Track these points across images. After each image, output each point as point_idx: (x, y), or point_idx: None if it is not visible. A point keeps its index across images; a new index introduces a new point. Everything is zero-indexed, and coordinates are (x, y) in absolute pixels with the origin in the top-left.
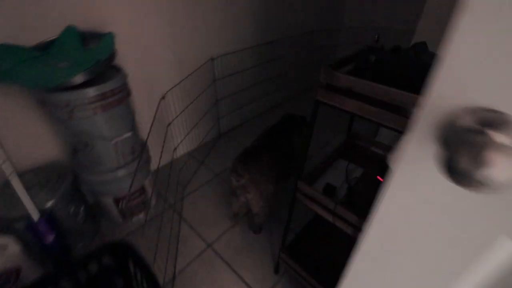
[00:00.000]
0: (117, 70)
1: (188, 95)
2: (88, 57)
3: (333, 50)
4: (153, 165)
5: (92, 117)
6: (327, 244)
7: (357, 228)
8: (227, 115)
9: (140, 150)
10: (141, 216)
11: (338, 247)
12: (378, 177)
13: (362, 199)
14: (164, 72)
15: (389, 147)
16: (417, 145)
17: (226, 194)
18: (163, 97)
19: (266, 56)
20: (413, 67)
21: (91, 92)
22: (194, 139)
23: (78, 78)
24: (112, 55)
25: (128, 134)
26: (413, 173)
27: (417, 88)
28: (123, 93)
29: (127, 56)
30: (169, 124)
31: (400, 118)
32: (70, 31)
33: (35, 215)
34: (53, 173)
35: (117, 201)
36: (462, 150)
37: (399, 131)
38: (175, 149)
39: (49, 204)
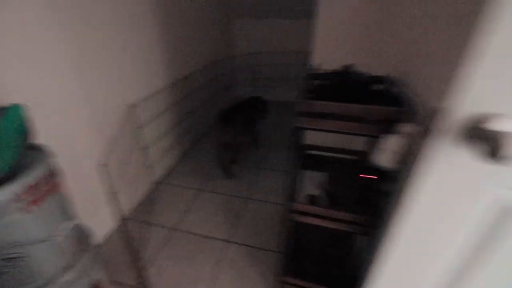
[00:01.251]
0: (37, 149)
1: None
2: None
3: (233, 75)
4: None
5: (22, 219)
6: (318, 247)
7: (361, 225)
8: (158, 161)
9: (86, 237)
10: None
11: (329, 245)
12: (361, 175)
13: (344, 198)
14: (84, 134)
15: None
16: (448, 144)
17: (195, 244)
18: (106, 165)
19: (183, 92)
20: (359, 86)
21: (15, 187)
22: (130, 198)
23: None
24: (26, 134)
25: (75, 221)
26: (449, 164)
27: (367, 100)
28: (56, 175)
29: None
30: (115, 193)
31: (369, 126)
32: None
33: None
34: None
35: None
36: (495, 142)
37: (373, 136)
38: (124, 219)
39: None
